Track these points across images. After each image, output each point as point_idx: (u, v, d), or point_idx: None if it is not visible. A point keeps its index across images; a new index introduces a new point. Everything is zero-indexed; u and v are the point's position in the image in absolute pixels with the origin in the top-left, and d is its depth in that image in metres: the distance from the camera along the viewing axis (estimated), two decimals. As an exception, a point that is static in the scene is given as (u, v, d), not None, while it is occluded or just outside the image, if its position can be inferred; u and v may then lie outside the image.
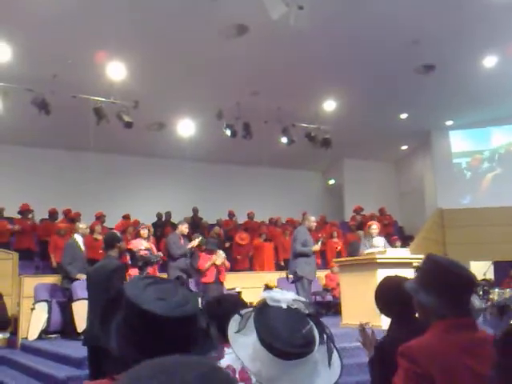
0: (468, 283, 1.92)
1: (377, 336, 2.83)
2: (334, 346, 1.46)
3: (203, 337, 1.39)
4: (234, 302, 2.30)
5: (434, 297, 1.88)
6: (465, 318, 1.89)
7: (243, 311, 1.53)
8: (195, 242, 8.68)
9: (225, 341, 2.18)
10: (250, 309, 1.51)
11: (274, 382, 1.36)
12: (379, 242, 7.93)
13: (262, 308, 1.47)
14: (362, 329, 2.85)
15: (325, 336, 1.44)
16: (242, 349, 1.45)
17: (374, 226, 8.34)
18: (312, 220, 8.21)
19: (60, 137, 12.18)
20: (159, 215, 13.25)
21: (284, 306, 1.46)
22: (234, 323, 1.51)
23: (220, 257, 8.74)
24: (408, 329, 2.24)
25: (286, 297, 1.49)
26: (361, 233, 11.01)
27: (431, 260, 1.98)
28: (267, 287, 6.97)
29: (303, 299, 1.51)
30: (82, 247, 8.05)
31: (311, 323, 1.43)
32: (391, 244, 10.84)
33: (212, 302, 2.33)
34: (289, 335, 1.37)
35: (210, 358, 1.40)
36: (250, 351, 1.42)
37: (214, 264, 8.61)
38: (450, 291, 1.87)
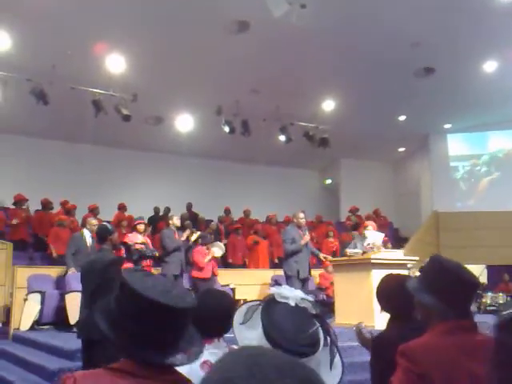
0: (471, 286, 1.93)
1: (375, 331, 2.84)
2: (337, 350, 1.47)
3: (190, 330, 1.41)
4: (218, 302, 2.31)
5: (436, 298, 1.88)
6: (466, 320, 1.89)
7: (250, 303, 1.53)
8: (193, 237, 8.68)
9: (205, 337, 2.19)
10: (257, 302, 1.52)
11: None
12: (376, 237, 7.88)
13: (270, 303, 1.47)
14: (359, 331, 2.84)
15: (329, 339, 1.45)
16: (245, 341, 1.46)
17: (370, 227, 8.34)
18: (300, 217, 8.12)
19: (58, 128, 12.13)
20: (156, 209, 13.21)
21: (292, 303, 1.46)
22: (239, 314, 1.52)
23: (221, 248, 8.75)
24: (406, 327, 2.25)
25: (294, 294, 1.49)
26: (355, 233, 11.02)
27: (436, 261, 1.98)
28: None
29: (311, 299, 1.51)
30: (89, 242, 8.03)
31: (317, 324, 1.44)
32: (385, 245, 10.86)
33: (198, 303, 2.33)
34: (295, 334, 1.38)
35: (196, 351, 1.39)
36: (254, 345, 1.40)
37: (212, 257, 8.63)
38: (452, 293, 1.87)
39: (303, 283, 8.04)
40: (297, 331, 1.38)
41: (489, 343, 1.87)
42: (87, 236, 8.04)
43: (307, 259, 8.12)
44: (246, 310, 1.51)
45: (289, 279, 8.00)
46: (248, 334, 1.47)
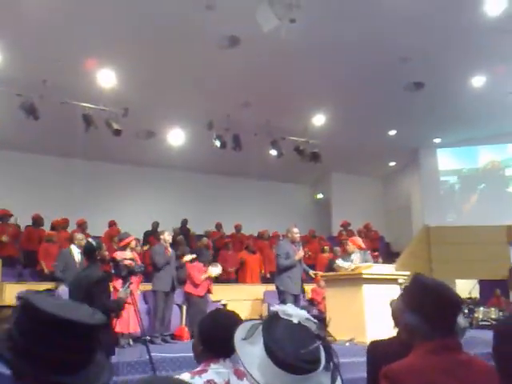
0: (454, 305, 1.90)
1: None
2: (340, 376, 1.45)
3: (100, 355, 1.34)
4: (227, 322, 2.28)
5: (419, 317, 1.86)
6: (450, 339, 1.87)
7: (254, 321, 1.53)
8: (187, 258, 8.62)
9: (211, 356, 2.16)
10: (260, 320, 1.52)
11: None
12: (356, 258, 8.01)
13: (273, 319, 1.48)
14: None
15: (331, 364, 1.43)
16: (247, 357, 1.45)
17: (349, 244, 8.35)
18: (295, 232, 8.07)
19: (48, 143, 12.07)
20: (155, 224, 13.03)
21: (295, 320, 1.46)
22: (241, 330, 1.51)
23: (218, 269, 8.69)
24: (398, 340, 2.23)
25: (299, 313, 1.49)
26: (337, 249, 11.01)
27: (417, 280, 1.96)
28: None
29: (316, 320, 1.50)
30: (77, 258, 7.94)
31: (318, 343, 1.43)
32: (374, 260, 10.86)
33: (207, 321, 2.30)
34: (295, 349, 1.37)
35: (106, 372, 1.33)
36: (256, 360, 1.42)
37: (209, 276, 8.56)
38: (435, 313, 1.85)
39: (295, 299, 7.97)
40: (297, 346, 1.38)
41: (473, 363, 1.86)
42: (75, 252, 7.94)
43: (300, 275, 8.05)
44: (250, 326, 1.51)
45: (281, 294, 7.92)
46: (250, 349, 1.46)
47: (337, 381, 1.44)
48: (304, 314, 1.50)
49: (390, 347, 1.96)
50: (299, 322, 1.46)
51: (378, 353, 2.32)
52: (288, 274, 7.81)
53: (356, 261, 7.95)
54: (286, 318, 1.47)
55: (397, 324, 2.72)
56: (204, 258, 8.99)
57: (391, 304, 2.62)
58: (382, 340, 2.63)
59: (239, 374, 2.18)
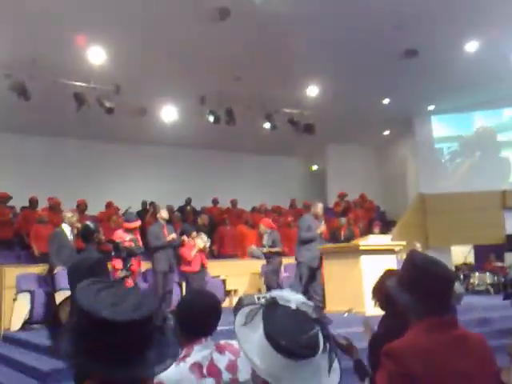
0: (446, 283, 1.92)
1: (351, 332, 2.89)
2: (336, 355, 1.50)
3: (159, 335, 1.38)
4: (204, 302, 2.31)
5: (412, 297, 1.88)
6: (445, 316, 1.89)
7: (250, 306, 1.55)
8: (200, 245, 8.58)
9: (193, 339, 2.20)
10: (258, 305, 1.54)
11: (277, 379, 1.39)
12: (266, 237, 8.87)
13: (271, 305, 1.50)
14: (366, 322, 2.86)
15: (327, 345, 1.47)
16: (247, 343, 1.48)
17: (261, 225, 9.10)
18: (319, 206, 8.46)
19: (41, 123, 11.95)
20: (144, 203, 13.09)
21: (293, 306, 1.50)
22: (241, 316, 1.54)
23: (203, 240, 8.72)
24: (399, 324, 2.25)
25: (296, 297, 1.52)
26: (342, 219, 11.08)
27: (409, 259, 1.98)
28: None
29: (311, 303, 1.54)
30: (70, 236, 7.91)
31: (317, 328, 1.46)
32: (371, 230, 10.99)
33: (184, 305, 2.34)
34: (295, 334, 1.41)
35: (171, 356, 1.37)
36: (255, 346, 1.45)
37: (198, 250, 8.58)
38: (427, 291, 1.87)
39: (314, 273, 8.11)
40: (297, 333, 1.41)
41: (469, 337, 1.90)
42: (67, 231, 7.91)
43: (319, 249, 8.24)
44: (248, 311, 1.53)
45: (298, 265, 8.25)
46: (250, 335, 1.49)
47: (334, 361, 1.48)
48: (300, 298, 1.53)
49: (390, 338, 1.99)
50: (297, 308, 1.49)
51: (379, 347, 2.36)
52: (307, 247, 8.08)
53: (265, 240, 8.67)
54: (284, 304, 1.49)
55: (377, 302, 2.76)
56: (187, 233, 9.00)
57: (384, 282, 2.64)
58: (380, 332, 2.66)
59: (221, 349, 2.22)
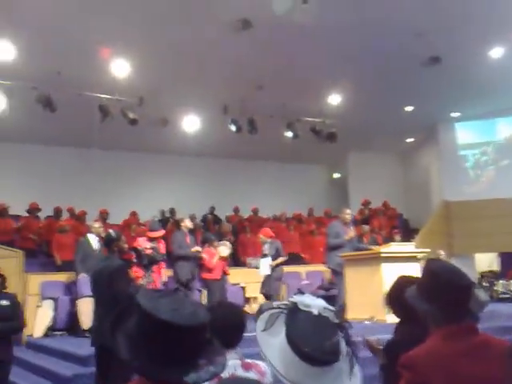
0: (464, 289, 1.90)
1: (383, 338, 2.86)
2: (357, 360, 1.50)
3: (209, 344, 1.42)
4: (229, 315, 2.32)
5: (432, 306, 1.88)
6: (464, 323, 1.88)
7: (270, 311, 1.55)
8: (224, 253, 8.63)
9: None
10: (278, 309, 1.54)
11: None
12: (266, 247, 8.77)
13: (294, 311, 1.50)
14: (366, 341, 2.85)
15: (349, 349, 1.47)
16: (269, 348, 1.48)
17: (261, 236, 8.98)
18: (347, 213, 8.53)
19: (65, 134, 12.21)
20: (162, 212, 13.23)
21: (315, 312, 1.49)
22: (261, 322, 1.54)
23: (227, 247, 8.77)
24: (415, 331, 2.23)
25: (317, 303, 1.51)
26: (365, 227, 11.00)
27: (427, 268, 1.98)
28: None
29: (333, 308, 1.54)
30: (95, 246, 8.07)
31: (339, 333, 1.46)
32: (392, 237, 10.91)
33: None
34: (318, 341, 1.41)
35: (219, 364, 1.41)
36: (277, 352, 1.44)
37: (220, 257, 8.63)
38: (446, 300, 1.86)
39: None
40: (320, 339, 1.41)
41: (490, 342, 1.88)
42: (92, 240, 8.08)
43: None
44: (268, 317, 1.53)
45: (336, 275, 8.29)
46: (271, 341, 1.49)
47: (355, 365, 1.48)
48: (322, 303, 1.53)
49: (405, 344, 1.98)
50: (319, 314, 1.48)
51: (397, 354, 2.35)
52: (337, 253, 8.11)
53: (266, 251, 8.63)
54: (305, 309, 1.49)
55: (395, 311, 2.74)
56: (210, 240, 9.04)
57: (400, 290, 2.63)
58: (395, 338, 2.66)
59: (247, 367, 2.21)
